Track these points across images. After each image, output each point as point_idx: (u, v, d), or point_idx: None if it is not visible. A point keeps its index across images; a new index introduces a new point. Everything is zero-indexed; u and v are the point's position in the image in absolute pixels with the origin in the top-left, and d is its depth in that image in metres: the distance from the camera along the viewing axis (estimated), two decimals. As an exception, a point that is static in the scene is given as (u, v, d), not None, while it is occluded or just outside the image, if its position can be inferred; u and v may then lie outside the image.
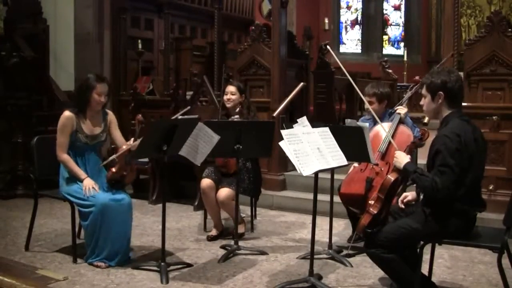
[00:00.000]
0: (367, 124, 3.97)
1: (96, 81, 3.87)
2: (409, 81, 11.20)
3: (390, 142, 3.80)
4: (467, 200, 2.92)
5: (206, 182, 4.52)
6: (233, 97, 4.61)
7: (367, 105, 4.02)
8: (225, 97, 4.65)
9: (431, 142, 3.03)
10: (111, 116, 4.09)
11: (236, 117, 4.58)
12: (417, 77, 4.18)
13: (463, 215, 2.95)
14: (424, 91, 3.05)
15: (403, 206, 3.18)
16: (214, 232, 4.66)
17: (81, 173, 3.84)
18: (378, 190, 3.26)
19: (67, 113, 3.88)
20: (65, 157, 3.86)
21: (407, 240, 3.01)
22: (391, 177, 3.20)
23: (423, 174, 2.93)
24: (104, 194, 3.77)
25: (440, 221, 2.94)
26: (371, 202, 3.24)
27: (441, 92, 2.96)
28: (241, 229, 4.58)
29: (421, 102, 3.10)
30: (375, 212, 3.17)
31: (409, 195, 3.22)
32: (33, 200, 4.19)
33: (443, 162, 2.82)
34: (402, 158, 3.08)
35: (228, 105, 4.62)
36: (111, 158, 3.82)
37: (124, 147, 3.82)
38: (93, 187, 3.76)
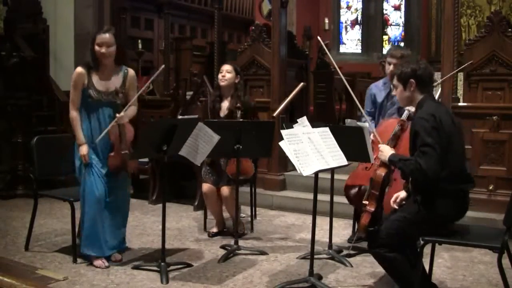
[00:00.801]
0: (367, 124, 3.96)
1: (96, 33, 3.82)
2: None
3: (397, 140, 3.82)
4: (453, 180, 2.96)
5: (206, 186, 4.53)
6: (229, 75, 4.54)
7: (390, 68, 4.05)
8: (219, 75, 4.59)
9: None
10: (130, 75, 3.92)
11: (227, 102, 4.53)
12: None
13: (454, 195, 3.00)
14: (395, 81, 3.15)
15: (396, 207, 3.18)
16: (215, 229, 4.70)
17: (80, 137, 3.77)
18: (371, 188, 3.28)
19: (78, 69, 3.81)
20: (73, 114, 3.79)
21: (406, 232, 3.02)
22: (381, 172, 3.25)
23: (407, 160, 2.99)
24: (101, 186, 3.76)
25: (433, 206, 2.97)
26: (366, 202, 3.27)
27: (412, 80, 3.07)
28: (240, 230, 4.59)
29: (393, 93, 3.27)
30: (373, 209, 3.20)
31: (400, 194, 3.22)
32: (33, 200, 4.19)
33: (423, 143, 2.89)
34: (386, 151, 3.14)
35: (222, 84, 4.55)
36: (103, 133, 3.71)
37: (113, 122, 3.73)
38: (86, 157, 3.73)
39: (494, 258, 2.96)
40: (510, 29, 4.81)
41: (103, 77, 3.82)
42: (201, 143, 3.78)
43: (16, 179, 6.18)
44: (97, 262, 3.78)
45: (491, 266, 3.85)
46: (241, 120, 4.37)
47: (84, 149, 3.75)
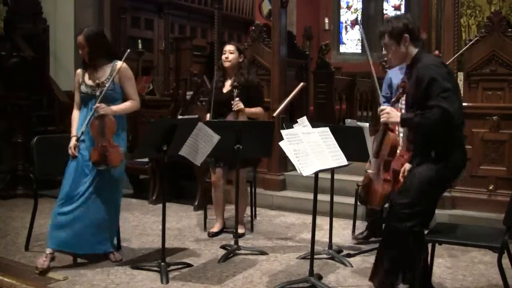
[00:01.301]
0: (367, 124, 3.97)
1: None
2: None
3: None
4: (461, 127, 2.97)
5: (214, 176, 4.59)
6: (232, 56, 4.52)
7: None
8: (223, 56, 4.57)
9: (414, 79, 2.97)
10: (117, 67, 3.85)
11: (230, 80, 4.48)
12: (436, 52, 4.10)
13: (462, 143, 3.03)
14: (387, 40, 3.04)
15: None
16: (216, 228, 4.70)
17: (73, 132, 3.87)
18: (387, 155, 3.22)
19: (77, 70, 3.98)
20: (73, 113, 3.96)
21: (426, 196, 2.94)
22: (395, 136, 3.21)
23: (424, 113, 2.84)
24: (76, 182, 3.76)
25: (449, 158, 2.93)
26: (371, 171, 3.24)
27: (406, 35, 3.01)
28: (241, 229, 4.60)
29: (384, 52, 3.14)
30: (389, 178, 3.20)
31: (405, 166, 3.14)
32: (33, 200, 4.19)
33: (443, 88, 2.79)
34: (395, 112, 3.02)
35: (226, 65, 4.53)
36: (83, 125, 3.75)
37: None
38: (72, 149, 3.78)
39: (494, 258, 2.96)
40: (510, 29, 4.81)
41: (93, 72, 3.88)
42: (201, 143, 3.78)
43: (16, 179, 6.18)
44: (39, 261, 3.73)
45: (491, 266, 3.85)
46: (241, 121, 4.38)
47: (72, 143, 3.81)
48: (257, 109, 4.54)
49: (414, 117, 2.91)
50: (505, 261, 2.96)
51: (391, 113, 3.01)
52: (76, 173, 3.77)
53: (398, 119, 2.98)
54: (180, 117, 4.48)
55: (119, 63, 3.87)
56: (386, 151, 3.24)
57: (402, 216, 2.93)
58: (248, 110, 4.41)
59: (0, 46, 6.38)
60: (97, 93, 3.78)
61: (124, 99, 3.94)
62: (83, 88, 3.85)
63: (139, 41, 8.15)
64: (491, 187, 4.83)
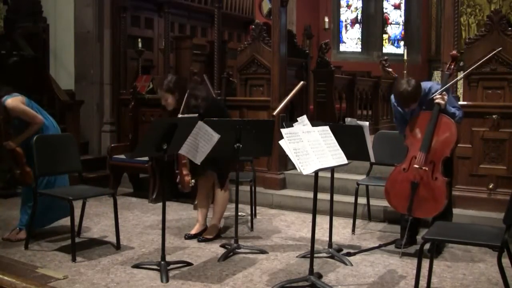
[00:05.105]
0: (367, 123, 3.97)
1: None
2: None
3: (431, 139, 3.87)
4: None
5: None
6: (167, 102, 4.43)
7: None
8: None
9: None
10: (7, 107, 4.31)
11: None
12: (454, 52, 3.96)
13: None
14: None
15: None
16: (194, 230, 4.62)
17: None
18: None
19: None
20: None
21: None
22: None
23: None
24: None
25: None
26: None
27: None
28: (208, 235, 4.51)
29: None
30: None
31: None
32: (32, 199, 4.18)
33: None
34: None
35: (169, 109, 4.50)
36: None
37: None
38: None
39: (494, 257, 2.97)
40: (510, 28, 4.81)
41: None
42: (201, 142, 3.79)
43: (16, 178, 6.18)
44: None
45: (491, 265, 3.85)
46: (242, 119, 4.36)
47: None
48: None
49: None
50: (505, 260, 2.95)
51: None
52: None
53: None
54: (180, 115, 4.46)
55: (7, 103, 4.29)
56: None
57: None
58: None
59: (0, 45, 6.38)
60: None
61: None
62: None
63: (139, 40, 8.13)
64: (491, 186, 4.83)
